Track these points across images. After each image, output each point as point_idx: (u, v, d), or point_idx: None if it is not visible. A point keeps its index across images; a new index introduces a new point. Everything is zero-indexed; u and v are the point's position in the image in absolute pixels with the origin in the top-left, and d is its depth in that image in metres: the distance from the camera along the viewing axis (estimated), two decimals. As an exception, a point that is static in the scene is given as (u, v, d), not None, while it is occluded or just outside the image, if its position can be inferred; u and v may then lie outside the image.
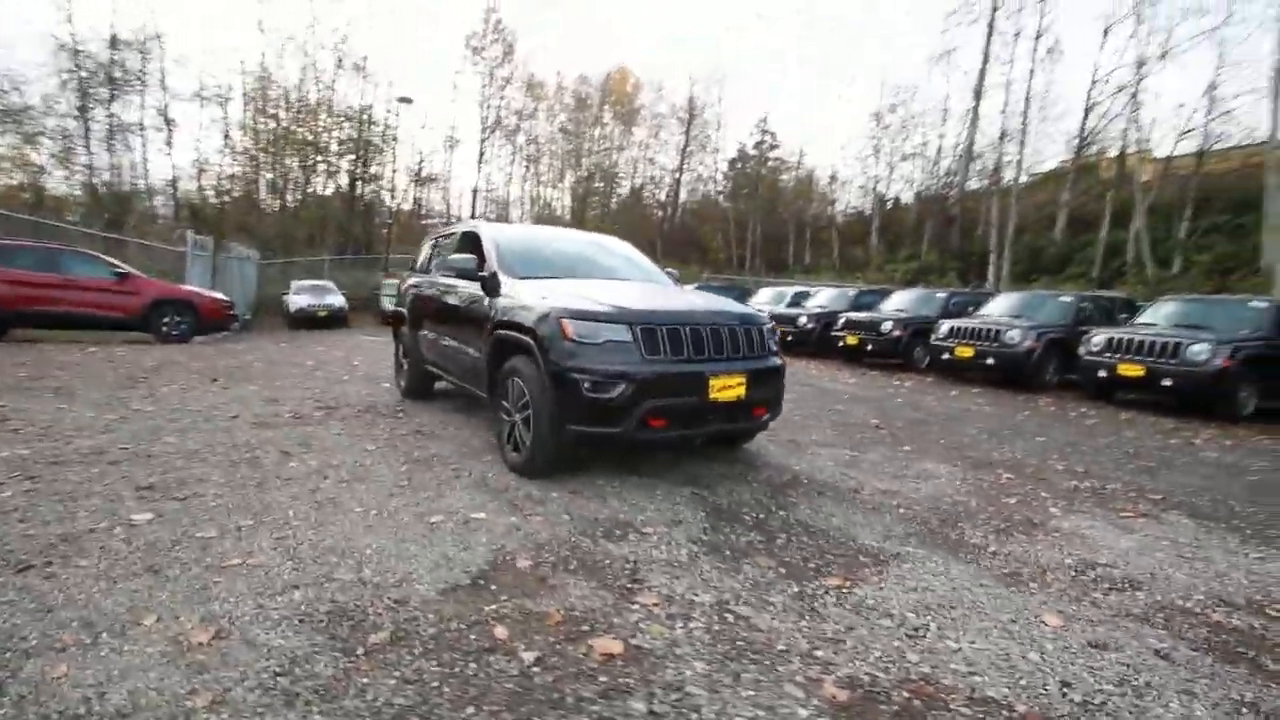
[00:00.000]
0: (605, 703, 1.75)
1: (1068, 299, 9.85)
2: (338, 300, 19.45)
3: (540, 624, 2.15)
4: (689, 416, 3.57)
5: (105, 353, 8.54)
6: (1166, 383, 7.28)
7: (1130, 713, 1.81)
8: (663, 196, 52.44)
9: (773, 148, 51.33)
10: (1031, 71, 25.66)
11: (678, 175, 51.23)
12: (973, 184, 29.95)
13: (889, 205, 38.37)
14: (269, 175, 32.89)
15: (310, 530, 2.83)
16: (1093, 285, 22.60)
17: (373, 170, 35.11)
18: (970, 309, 11.05)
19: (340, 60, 33.20)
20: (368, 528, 2.89)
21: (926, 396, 8.12)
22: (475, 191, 40.88)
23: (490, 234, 4.73)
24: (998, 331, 9.17)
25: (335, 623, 2.09)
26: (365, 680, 1.80)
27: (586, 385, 3.34)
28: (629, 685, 1.83)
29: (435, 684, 1.80)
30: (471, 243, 4.89)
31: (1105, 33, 25.59)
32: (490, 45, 40.57)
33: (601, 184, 52.39)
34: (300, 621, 2.09)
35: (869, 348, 11.37)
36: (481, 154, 40.61)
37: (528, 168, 45.96)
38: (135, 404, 5.27)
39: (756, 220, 38.47)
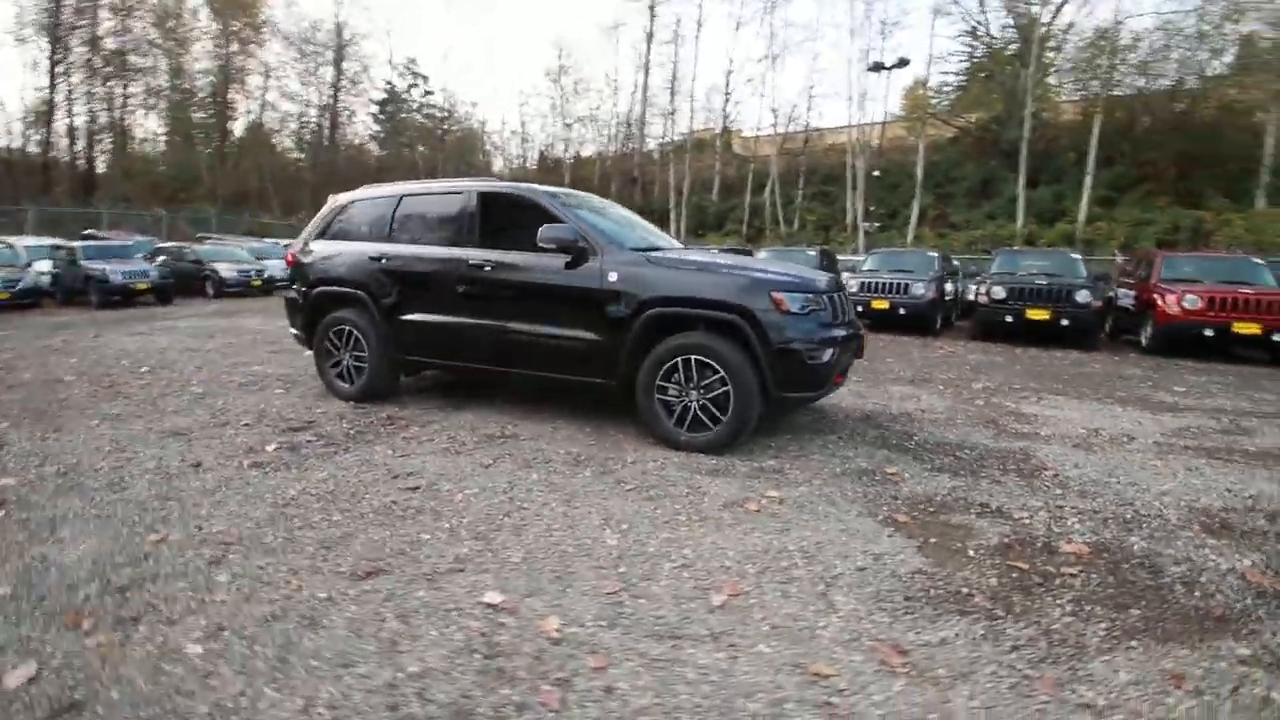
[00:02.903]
0: (1163, 577, 2.35)
1: (813, 252, 12.73)
2: None
3: (1010, 552, 2.55)
4: (847, 370, 4.04)
5: None
6: (902, 311, 10.33)
7: (1266, 490, 3.22)
8: (308, 137, 45.08)
9: (427, 93, 48.75)
10: (696, 56, 29.97)
11: (329, 114, 44.63)
12: (648, 148, 34.11)
13: (570, 162, 40.61)
14: None
15: (685, 552, 2.50)
16: (743, 240, 28.59)
17: None
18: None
19: None
20: (730, 537, 2.68)
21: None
22: (47, 115, 28.80)
23: (563, 199, 4.13)
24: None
25: (935, 602, 2.14)
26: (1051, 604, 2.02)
27: (807, 354, 3.52)
28: (1154, 564, 2.45)
29: (1067, 608, 2.13)
30: (515, 207, 4.17)
31: (736, 29, 31.55)
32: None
33: (212, 115, 42.26)
34: (912, 616, 2.08)
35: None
36: (56, 62, 28.62)
37: (118, 86, 34.17)
38: (-29, 480, 3.05)
39: (452, 171, 36.51)
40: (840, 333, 3.75)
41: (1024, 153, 23.03)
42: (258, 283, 17.53)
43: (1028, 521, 2.85)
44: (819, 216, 28.73)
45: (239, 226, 27.87)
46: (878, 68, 23.08)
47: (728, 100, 31.66)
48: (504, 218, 4.32)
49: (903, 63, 22.26)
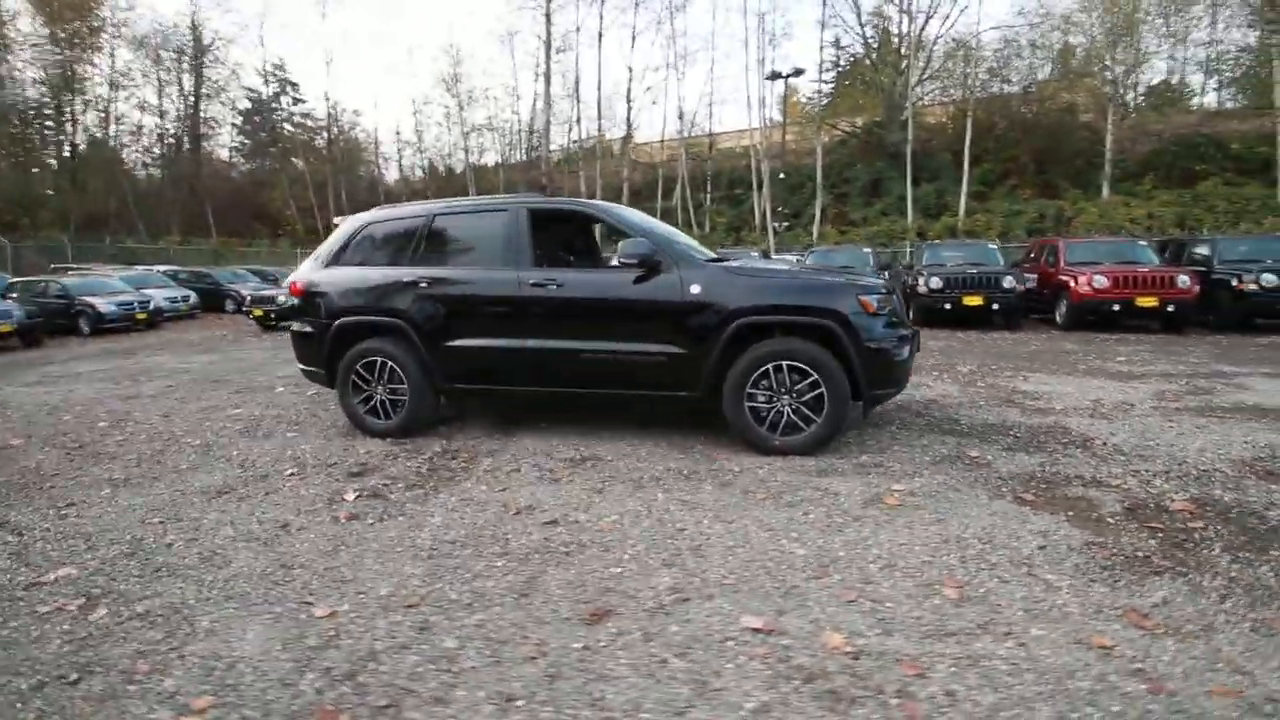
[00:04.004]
0: (1270, 520, 2.73)
1: (756, 253, 13.23)
2: None
3: (1138, 515, 2.85)
4: (909, 365, 4.29)
5: None
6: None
7: (1273, 440, 3.78)
8: (167, 152, 40.46)
9: (298, 100, 45.70)
10: (599, 64, 30.13)
11: (191, 126, 40.38)
12: (552, 155, 33.80)
13: (463, 171, 39.31)
14: None
15: (874, 552, 2.58)
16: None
17: None
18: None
19: None
20: (899, 532, 2.78)
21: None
22: None
23: (627, 214, 4.06)
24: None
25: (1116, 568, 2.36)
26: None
27: (893, 352, 3.71)
28: (1252, 510, 2.83)
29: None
30: (570, 223, 4.06)
31: (634, 38, 32.08)
32: None
33: (45, 131, 37.01)
34: (1122, 583, 2.27)
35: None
36: None
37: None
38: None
39: (341, 183, 34.21)
40: (907, 330, 3.98)
41: (909, 154, 25.21)
42: (143, 316, 15.60)
43: (1125, 487, 3.19)
44: (728, 219, 29.83)
45: (100, 254, 24.59)
46: (775, 76, 24.38)
47: (630, 108, 32.09)
48: (559, 234, 4.20)
49: (798, 72, 23.68)
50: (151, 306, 15.95)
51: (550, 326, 4.06)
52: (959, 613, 2.12)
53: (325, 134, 39.26)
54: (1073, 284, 9.73)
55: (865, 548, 2.61)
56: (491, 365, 4.22)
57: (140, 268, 21.39)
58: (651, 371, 3.93)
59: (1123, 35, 23.96)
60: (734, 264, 4.02)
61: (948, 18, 26.88)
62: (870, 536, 2.71)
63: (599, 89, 30.41)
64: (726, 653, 1.93)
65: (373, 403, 4.45)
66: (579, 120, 32.03)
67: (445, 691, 1.79)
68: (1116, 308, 9.29)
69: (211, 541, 2.84)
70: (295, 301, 4.65)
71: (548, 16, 31.12)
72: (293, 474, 3.78)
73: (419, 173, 41.41)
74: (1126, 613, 2.08)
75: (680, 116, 31.48)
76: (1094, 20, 25.33)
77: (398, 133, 49.53)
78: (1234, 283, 9.01)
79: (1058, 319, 10.30)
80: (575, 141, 34.28)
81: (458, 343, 4.23)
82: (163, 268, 21.62)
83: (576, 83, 31.40)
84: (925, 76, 28.86)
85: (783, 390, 3.74)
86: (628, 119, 32.16)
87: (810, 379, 3.68)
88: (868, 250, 12.48)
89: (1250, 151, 21.20)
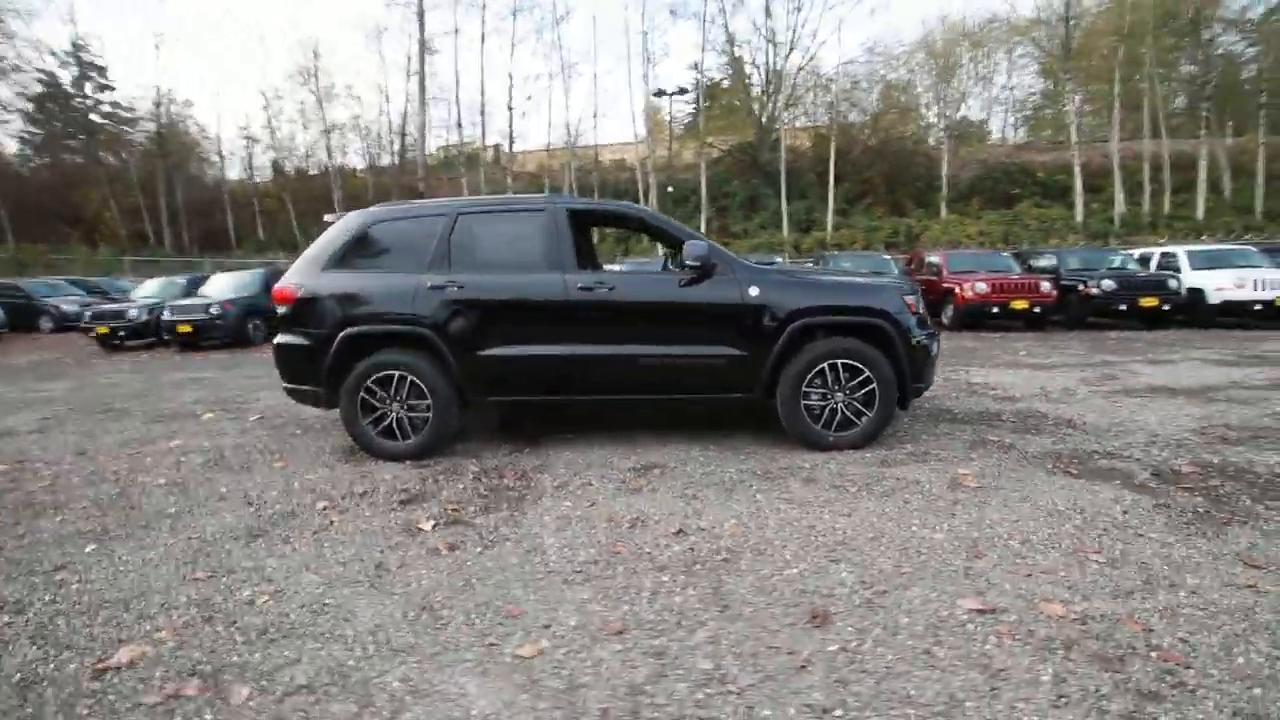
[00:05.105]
0: (1260, 475, 3.32)
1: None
2: None
3: (1165, 479, 3.35)
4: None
5: None
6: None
7: (1203, 413, 4.59)
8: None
9: (105, 87, 39.71)
10: (482, 69, 29.18)
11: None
12: (430, 160, 32.12)
13: (317, 173, 36.17)
14: None
15: (1000, 531, 2.79)
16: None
17: None
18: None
19: None
20: (1001, 512, 3.01)
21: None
22: None
23: (668, 218, 3.97)
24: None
25: (1207, 524, 2.75)
26: None
27: (929, 347, 4.00)
28: (1241, 469, 3.42)
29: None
30: (615, 225, 3.91)
31: (513, 46, 31.54)
32: None
33: None
34: (1211, 534, 2.65)
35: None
36: None
37: None
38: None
39: (177, 183, 29.90)
40: (932, 329, 4.33)
41: (783, 173, 27.23)
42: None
43: (1136, 458, 3.71)
44: (615, 230, 30.21)
45: None
46: (660, 94, 25.28)
47: (511, 115, 31.46)
48: (601, 237, 4.04)
49: (682, 90, 24.74)
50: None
51: (601, 331, 3.90)
52: (1120, 574, 2.35)
53: (154, 126, 34.05)
54: (958, 290, 11.08)
55: (989, 527, 2.80)
56: (534, 374, 3.96)
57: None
58: (710, 374, 3.91)
59: (948, 75, 27.81)
60: (777, 268, 4.14)
61: (808, 50, 29.52)
62: (983, 517, 2.91)
63: (482, 94, 29.43)
64: (975, 635, 1.99)
65: (386, 422, 3.98)
66: (459, 124, 30.83)
67: (748, 713, 1.67)
68: (995, 310, 10.72)
69: (304, 592, 2.39)
70: (285, 310, 4.03)
71: (420, 15, 29.67)
72: (326, 508, 3.27)
73: (268, 171, 37.28)
74: (1240, 558, 2.44)
75: (567, 126, 31.44)
76: (921, 61, 29.26)
77: (244, 128, 43.97)
78: (1080, 288, 10.78)
79: (944, 321, 11.66)
80: (444, 147, 32.97)
81: (495, 352, 3.91)
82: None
83: (456, 86, 30.21)
84: (789, 103, 31.39)
85: (836, 388, 3.90)
86: (510, 126, 31.53)
87: (862, 376, 3.88)
88: (779, 259, 13.33)
89: (1052, 179, 25.58)
